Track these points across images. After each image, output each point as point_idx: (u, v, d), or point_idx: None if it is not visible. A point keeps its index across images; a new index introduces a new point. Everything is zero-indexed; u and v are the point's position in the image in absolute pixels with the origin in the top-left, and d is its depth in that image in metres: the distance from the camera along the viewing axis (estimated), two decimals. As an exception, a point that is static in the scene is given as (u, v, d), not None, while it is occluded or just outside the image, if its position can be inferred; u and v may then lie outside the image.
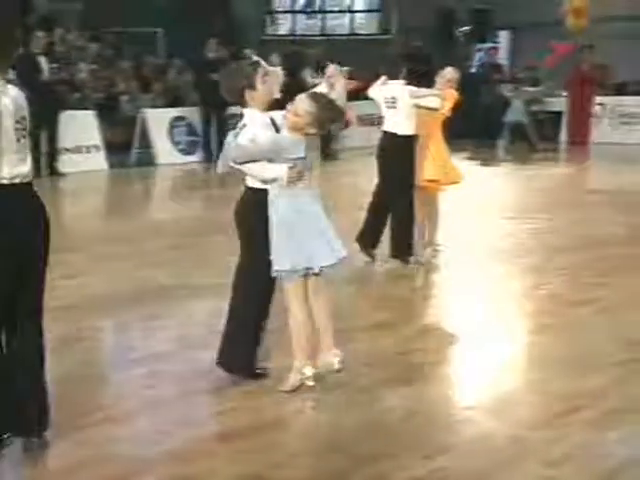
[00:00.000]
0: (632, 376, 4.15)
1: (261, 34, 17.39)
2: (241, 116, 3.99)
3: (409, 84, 6.21)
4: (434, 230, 6.59)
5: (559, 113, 15.73)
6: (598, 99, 15.36)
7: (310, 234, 3.79)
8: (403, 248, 6.32)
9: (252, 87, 3.88)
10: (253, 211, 3.90)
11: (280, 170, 3.73)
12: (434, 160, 6.35)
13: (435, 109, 6.16)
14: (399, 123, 6.19)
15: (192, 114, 13.49)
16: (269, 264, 3.83)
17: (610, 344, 4.61)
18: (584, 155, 14.64)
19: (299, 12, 18.21)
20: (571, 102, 15.43)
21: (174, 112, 13.53)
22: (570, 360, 4.34)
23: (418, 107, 6.16)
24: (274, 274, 3.86)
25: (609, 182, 10.97)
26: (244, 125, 3.85)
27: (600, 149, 14.60)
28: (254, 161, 3.78)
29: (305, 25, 18.31)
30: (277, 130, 3.83)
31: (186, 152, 13.50)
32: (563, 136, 15.64)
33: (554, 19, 15.17)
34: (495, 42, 18.34)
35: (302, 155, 3.75)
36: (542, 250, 7.00)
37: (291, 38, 17.67)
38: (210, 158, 13.49)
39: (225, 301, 4.04)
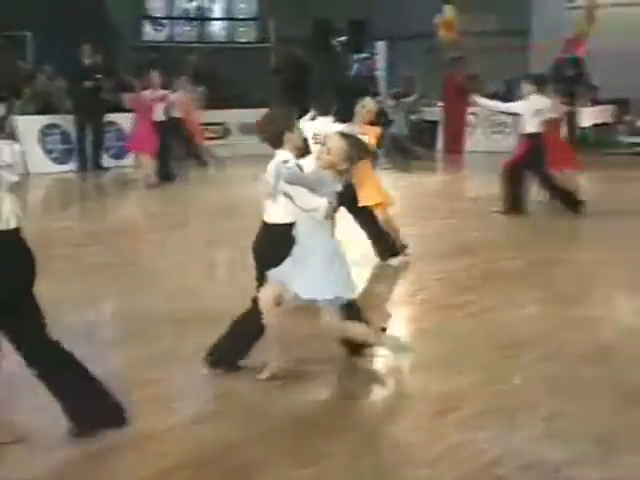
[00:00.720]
0: (502, 376, 4.37)
1: (137, 40, 17.13)
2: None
3: (337, 121, 6.53)
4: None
5: (436, 122, 16.34)
6: (471, 109, 16.06)
7: (336, 266, 4.13)
8: (383, 250, 6.86)
9: (290, 130, 4.25)
10: (272, 247, 4.23)
11: (321, 203, 4.06)
12: (371, 188, 6.72)
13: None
14: None
15: (66, 122, 13.16)
16: None
17: (481, 346, 4.85)
18: (459, 164, 15.25)
19: (177, 18, 18.05)
20: (446, 112, 16.06)
21: (46, 119, 13.15)
22: (444, 363, 4.53)
23: None
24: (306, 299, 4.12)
25: (482, 190, 11.47)
26: (286, 160, 4.15)
27: (474, 157, 15.25)
28: (301, 187, 4.06)
29: (183, 31, 18.17)
30: None
31: (60, 161, 13.15)
32: (440, 145, 16.25)
33: (429, 30, 15.75)
34: (372, 52, 18.85)
35: (339, 190, 4.11)
36: (416, 256, 7.26)
37: (169, 44, 17.51)
38: (85, 167, 13.21)
39: (97, 313, 4.00)
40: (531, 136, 9.03)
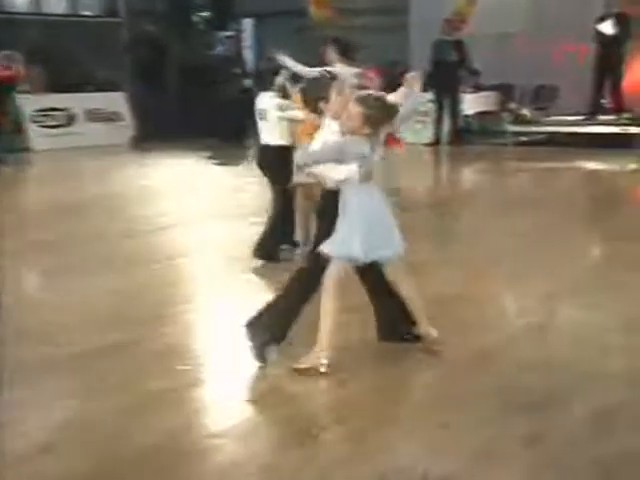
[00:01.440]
0: (390, 386, 4.44)
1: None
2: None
3: (278, 96, 6.90)
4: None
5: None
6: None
7: (386, 226, 4.54)
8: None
9: (325, 100, 4.68)
10: (332, 208, 4.56)
11: (350, 170, 4.41)
12: None
13: (302, 120, 6.55)
14: (271, 134, 6.94)
15: None
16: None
17: (365, 354, 4.86)
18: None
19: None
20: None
21: None
22: (326, 372, 4.49)
23: (283, 119, 6.83)
24: (343, 258, 4.47)
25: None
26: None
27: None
28: (323, 163, 4.50)
29: (16, 2, 17.45)
30: None
31: None
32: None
33: (300, 7, 15.84)
34: (238, 30, 18.80)
35: (367, 153, 4.41)
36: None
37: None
38: None
39: None
40: None
